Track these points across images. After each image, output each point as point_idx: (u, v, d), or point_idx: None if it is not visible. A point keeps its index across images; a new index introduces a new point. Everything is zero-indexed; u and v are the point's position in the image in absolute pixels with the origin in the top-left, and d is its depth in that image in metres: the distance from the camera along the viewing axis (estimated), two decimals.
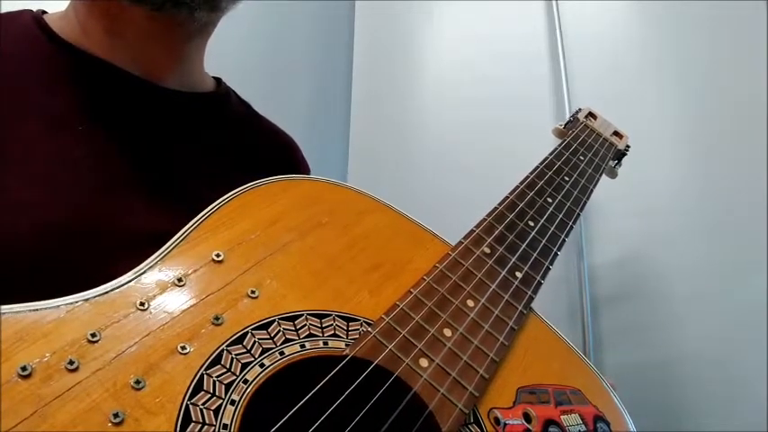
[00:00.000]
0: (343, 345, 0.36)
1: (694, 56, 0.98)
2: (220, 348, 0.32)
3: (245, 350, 0.33)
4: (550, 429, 0.38)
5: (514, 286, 0.46)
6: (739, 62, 0.94)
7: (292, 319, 0.36)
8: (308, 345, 0.35)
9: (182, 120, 0.52)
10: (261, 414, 0.31)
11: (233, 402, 0.30)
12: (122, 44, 0.48)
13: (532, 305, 0.46)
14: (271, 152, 0.60)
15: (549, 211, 0.55)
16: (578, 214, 0.57)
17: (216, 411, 0.30)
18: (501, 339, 0.41)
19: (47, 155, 0.42)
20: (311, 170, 0.65)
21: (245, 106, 0.61)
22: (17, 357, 0.28)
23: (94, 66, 0.47)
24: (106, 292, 0.32)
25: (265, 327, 0.35)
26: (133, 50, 0.48)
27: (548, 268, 0.49)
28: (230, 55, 0.77)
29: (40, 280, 0.38)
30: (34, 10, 0.50)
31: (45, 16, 0.49)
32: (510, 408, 0.38)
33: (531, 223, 0.52)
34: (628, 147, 0.75)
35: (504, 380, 0.40)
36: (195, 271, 0.36)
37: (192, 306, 0.34)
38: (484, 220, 0.50)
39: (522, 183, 0.56)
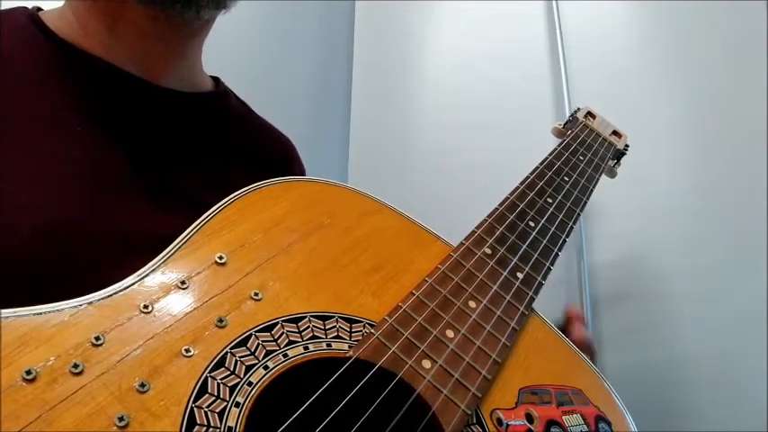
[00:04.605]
0: (346, 346, 0.36)
1: (694, 56, 0.98)
2: (224, 351, 0.32)
3: (249, 352, 0.33)
4: (552, 430, 0.38)
5: (516, 287, 0.46)
6: (739, 62, 0.94)
7: (296, 321, 0.36)
8: (311, 347, 0.35)
9: (181, 119, 0.52)
10: (265, 416, 0.31)
11: (237, 405, 0.30)
12: (122, 43, 0.47)
13: (533, 305, 0.46)
14: (268, 152, 0.60)
15: (549, 212, 0.55)
16: (578, 214, 0.57)
17: (220, 414, 0.30)
18: (503, 340, 0.41)
19: (45, 156, 0.42)
20: (310, 170, 0.65)
21: (244, 106, 0.61)
22: (21, 361, 0.28)
23: (93, 65, 0.47)
24: (109, 295, 0.32)
25: (269, 329, 0.35)
26: (133, 49, 0.48)
27: (549, 269, 0.50)
28: (231, 55, 0.77)
29: (39, 283, 0.38)
30: (29, 7, 0.50)
31: (41, 14, 0.49)
32: (512, 408, 0.38)
33: (532, 224, 0.52)
34: (627, 146, 0.75)
35: (506, 381, 0.40)
36: (198, 273, 0.36)
37: (195, 309, 0.34)
38: (485, 221, 0.50)
39: (522, 183, 0.56)
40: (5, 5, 0.50)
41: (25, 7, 0.49)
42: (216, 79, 0.59)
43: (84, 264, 0.40)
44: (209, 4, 0.46)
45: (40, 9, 0.50)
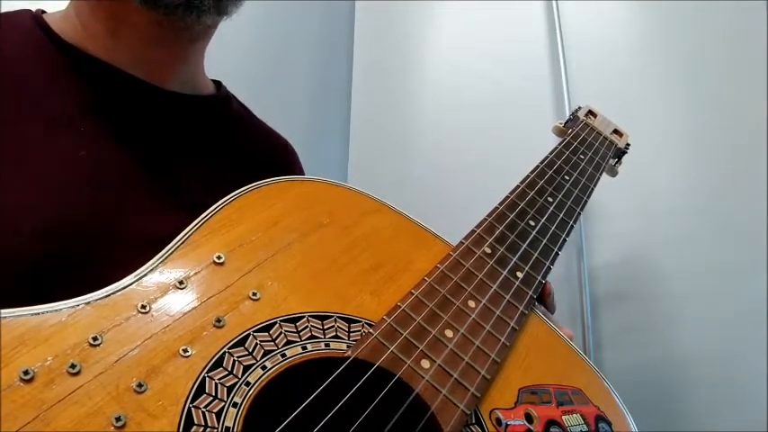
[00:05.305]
0: (344, 346, 0.36)
1: (694, 56, 0.98)
2: (222, 351, 0.32)
3: (246, 352, 0.33)
4: (552, 430, 0.38)
5: (515, 286, 0.46)
6: (739, 62, 0.94)
7: (294, 320, 0.36)
8: (309, 346, 0.35)
9: (183, 122, 0.52)
10: (263, 416, 0.30)
11: (235, 405, 0.30)
12: (125, 46, 0.48)
13: (533, 305, 0.46)
14: (268, 155, 0.60)
15: (549, 211, 0.55)
16: (579, 213, 0.57)
17: (218, 414, 0.29)
18: (502, 340, 0.41)
19: (48, 156, 0.42)
20: (310, 170, 0.65)
21: (244, 109, 0.61)
22: (19, 361, 0.28)
23: (96, 67, 0.47)
24: (107, 295, 0.32)
25: (267, 329, 0.35)
26: (135, 53, 0.48)
27: (549, 268, 0.49)
28: (231, 55, 0.77)
29: (40, 282, 0.38)
30: (33, 10, 0.50)
31: (45, 16, 0.49)
32: (511, 408, 0.38)
33: (532, 223, 0.52)
34: (628, 145, 0.75)
35: (506, 380, 0.40)
36: (196, 273, 0.36)
37: (193, 308, 0.34)
38: (485, 220, 0.50)
39: (522, 182, 0.56)
40: (6, 6, 0.50)
41: (29, 9, 0.50)
42: (218, 83, 0.59)
43: (86, 263, 0.40)
44: (211, 9, 0.46)
45: (43, 11, 0.50)
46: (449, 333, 0.40)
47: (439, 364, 0.37)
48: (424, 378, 0.36)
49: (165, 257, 0.36)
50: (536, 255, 0.49)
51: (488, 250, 0.47)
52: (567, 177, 0.60)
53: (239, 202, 0.41)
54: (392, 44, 1.21)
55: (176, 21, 0.45)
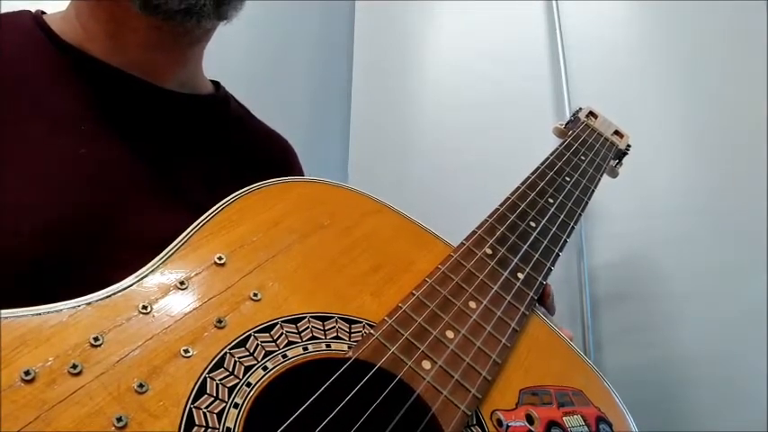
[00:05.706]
0: (345, 347, 0.36)
1: (694, 56, 0.98)
2: (223, 351, 0.32)
3: (248, 353, 0.33)
4: (553, 431, 0.38)
5: (516, 287, 0.46)
6: (739, 62, 0.94)
7: (295, 321, 0.36)
8: (310, 347, 0.35)
9: (182, 121, 0.52)
10: (264, 417, 0.30)
11: (236, 405, 0.30)
12: (124, 48, 0.48)
13: (534, 306, 0.46)
14: (267, 154, 0.60)
15: (550, 212, 0.55)
16: (579, 214, 0.57)
17: (219, 415, 0.29)
18: (503, 341, 0.41)
19: (48, 155, 0.42)
20: (309, 170, 0.65)
21: (243, 109, 0.62)
22: (20, 362, 0.28)
23: (96, 67, 0.47)
24: (109, 296, 0.32)
25: (268, 329, 0.35)
26: (135, 55, 0.48)
27: (549, 269, 0.50)
28: (231, 55, 0.77)
29: (40, 282, 0.38)
30: (33, 10, 0.50)
31: (45, 17, 0.49)
32: (512, 409, 0.38)
33: (533, 224, 0.52)
34: (629, 146, 0.75)
35: (507, 381, 0.40)
36: (197, 274, 0.36)
37: (194, 309, 0.34)
38: (485, 221, 0.50)
39: (523, 183, 0.56)
40: (6, 6, 0.50)
41: (29, 10, 0.50)
42: (216, 83, 0.59)
43: (86, 263, 0.40)
44: (211, 14, 0.46)
45: (43, 12, 0.50)
46: (450, 334, 0.40)
47: (440, 365, 0.37)
48: (425, 379, 0.36)
49: (166, 258, 0.36)
50: (537, 256, 0.49)
51: (489, 251, 0.47)
52: (567, 179, 0.60)
53: (240, 203, 0.41)
54: (392, 44, 1.21)
55: (176, 26, 0.45)
